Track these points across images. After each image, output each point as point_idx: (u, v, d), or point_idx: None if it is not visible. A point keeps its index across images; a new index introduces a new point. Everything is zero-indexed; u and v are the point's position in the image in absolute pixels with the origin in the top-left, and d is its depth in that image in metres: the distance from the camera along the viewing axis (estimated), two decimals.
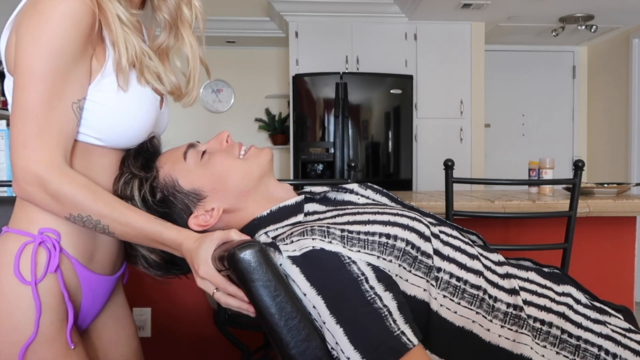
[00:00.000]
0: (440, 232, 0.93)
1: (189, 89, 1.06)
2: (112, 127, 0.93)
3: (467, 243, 0.95)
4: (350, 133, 4.07)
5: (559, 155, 4.64)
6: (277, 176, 5.75)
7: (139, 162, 0.98)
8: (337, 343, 0.80)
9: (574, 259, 1.96)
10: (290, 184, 1.12)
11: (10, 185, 1.76)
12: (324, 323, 0.81)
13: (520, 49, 5.00)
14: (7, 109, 3.83)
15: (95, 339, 1.09)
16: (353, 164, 1.75)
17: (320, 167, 4.14)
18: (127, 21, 0.91)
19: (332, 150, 4.07)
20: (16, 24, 0.88)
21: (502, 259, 0.97)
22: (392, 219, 0.89)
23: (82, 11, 0.84)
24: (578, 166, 1.82)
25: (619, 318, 0.98)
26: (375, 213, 0.90)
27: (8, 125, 1.85)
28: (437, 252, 0.89)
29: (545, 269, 1.02)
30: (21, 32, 0.85)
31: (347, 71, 4.17)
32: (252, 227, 0.98)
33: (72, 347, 0.92)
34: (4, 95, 3.55)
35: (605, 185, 2.35)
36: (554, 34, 4.29)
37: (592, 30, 4.10)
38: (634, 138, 4.30)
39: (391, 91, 4.11)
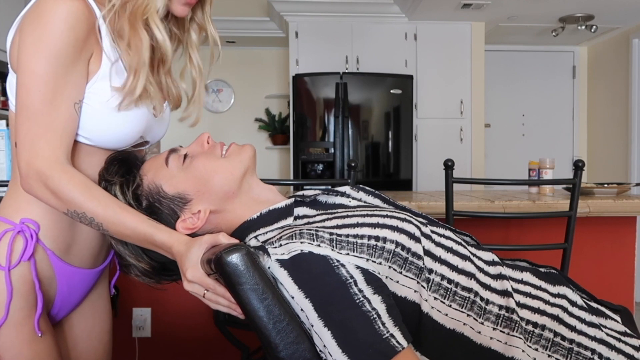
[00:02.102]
0: (432, 232, 0.92)
1: (189, 111, 1.11)
2: (100, 129, 0.97)
3: (459, 243, 0.94)
4: (350, 133, 4.07)
5: (559, 155, 4.64)
6: (277, 176, 5.66)
7: (113, 170, 0.98)
8: (325, 346, 0.79)
9: (574, 259, 1.96)
10: (291, 184, 1.12)
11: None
12: (312, 326, 0.81)
13: (520, 49, 4.99)
14: (7, 109, 3.83)
15: (68, 329, 1.11)
16: (353, 164, 1.75)
17: (320, 167, 4.13)
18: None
19: (332, 150, 4.07)
20: (20, 25, 0.92)
21: (495, 258, 0.96)
22: (382, 220, 0.88)
23: (77, 16, 0.88)
24: (578, 166, 1.82)
25: (615, 320, 0.97)
26: (364, 215, 0.90)
27: (8, 125, 1.85)
28: (428, 252, 0.89)
29: (542, 269, 1.00)
30: (23, 35, 0.89)
31: (347, 71, 4.17)
32: (242, 230, 0.98)
33: (39, 335, 0.96)
34: (4, 95, 3.55)
35: (605, 185, 2.35)
36: (554, 34, 4.29)
37: (592, 30, 4.10)
38: (634, 138, 4.30)
39: (391, 91, 4.11)
